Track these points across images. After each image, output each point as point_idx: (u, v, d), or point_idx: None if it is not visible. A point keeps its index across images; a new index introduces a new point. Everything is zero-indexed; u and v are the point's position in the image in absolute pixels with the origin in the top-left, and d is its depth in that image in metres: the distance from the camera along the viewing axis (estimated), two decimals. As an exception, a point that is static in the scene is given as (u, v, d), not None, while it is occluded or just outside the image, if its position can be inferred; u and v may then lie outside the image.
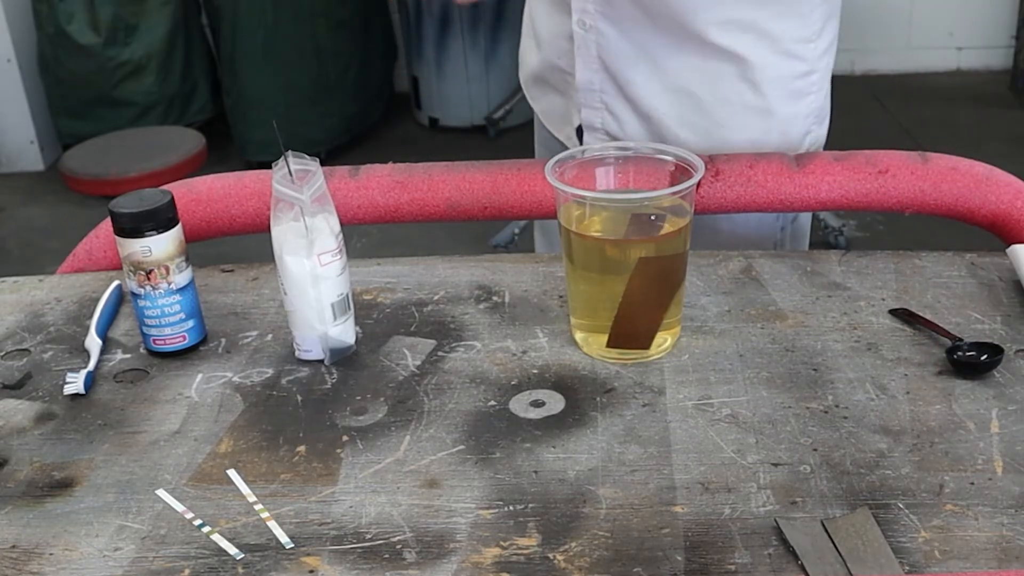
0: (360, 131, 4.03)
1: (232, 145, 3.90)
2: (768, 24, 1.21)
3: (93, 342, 1.05)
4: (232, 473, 0.88)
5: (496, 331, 1.06)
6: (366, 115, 4.06)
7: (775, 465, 0.85)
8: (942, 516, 0.79)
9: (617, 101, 1.27)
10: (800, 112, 1.27)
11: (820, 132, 1.32)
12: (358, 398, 0.97)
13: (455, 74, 3.98)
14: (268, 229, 1.00)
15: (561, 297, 1.10)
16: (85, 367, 1.02)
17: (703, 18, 1.19)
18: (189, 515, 0.83)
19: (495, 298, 1.12)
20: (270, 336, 1.07)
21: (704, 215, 1.23)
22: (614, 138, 1.29)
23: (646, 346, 0.99)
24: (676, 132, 1.26)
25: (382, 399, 0.96)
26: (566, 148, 1.29)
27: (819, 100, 1.29)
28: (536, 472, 0.86)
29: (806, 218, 1.39)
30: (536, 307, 1.10)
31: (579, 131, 1.32)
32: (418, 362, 1.02)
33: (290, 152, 0.97)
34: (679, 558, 0.76)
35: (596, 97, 1.27)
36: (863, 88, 4.23)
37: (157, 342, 1.04)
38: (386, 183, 1.25)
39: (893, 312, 1.05)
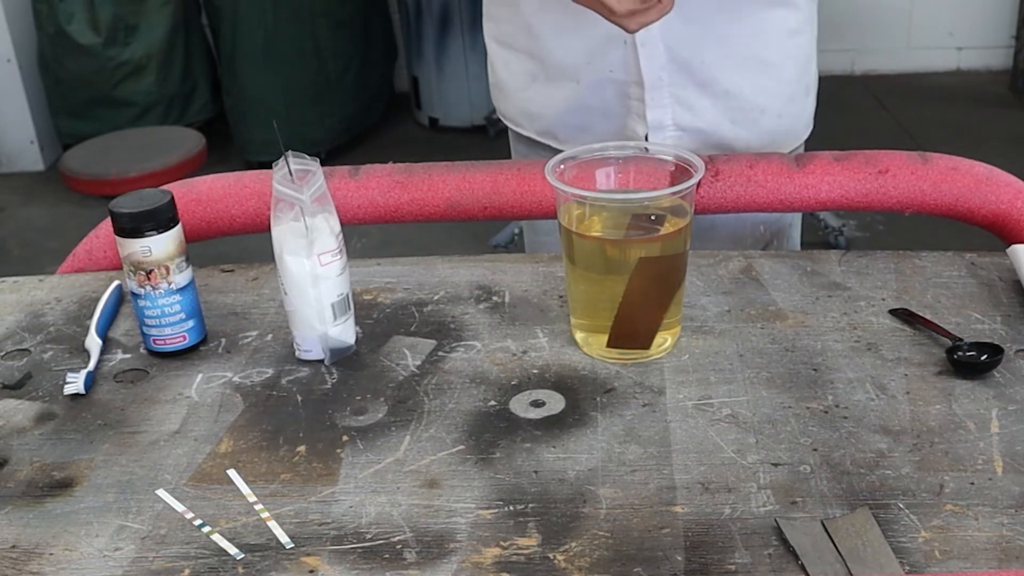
0: (360, 131, 4.04)
1: (232, 145, 3.91)
2: None
3: (93, 342, 1.05)
4: (232, 473, 0.88)
5: (496, 331, 1.06)
6: (366, 115, 4.07)
7: (775, 465, 0.85)
8: (942, 516, 0.79)
9: (688, 90, 1.26)
10: (811, 50, 1.33)
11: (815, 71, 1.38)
12: (358, 398, 0.97)
13: (455, 74, 3.98)
14: (268, 229, 1.00)
15: (561, 297, 1.10)
16: (85, 367, 1.02)
17: None
18: (189, 515, 0.83)
19: (495, 298, 1.12)
20: (270, 336, 1.07)
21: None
22: (684, 130, 1.28)
23: (646, 346, 0.99)
24: (753, 100, 1.27)
25: (382, 399, 0.96)
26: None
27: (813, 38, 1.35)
28: (536, 472, 0.86)
29: (795, 215, 1.39)
30: (536, 307, 1.10)
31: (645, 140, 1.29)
32: (418, 362, 1.02)
33: (290, 152, 0.97)
34: (679, 558, 0.76)
35: (665, 93, 1.25)
36: (863, 88, 4.23)
37: (157, 342, 1.04)
38: (386, 183, 1.25)
39: (893, 312, 1.05)
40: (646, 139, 1.28)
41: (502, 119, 1.41)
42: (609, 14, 1.09)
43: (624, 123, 1.29)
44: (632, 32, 1.10)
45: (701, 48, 1.24)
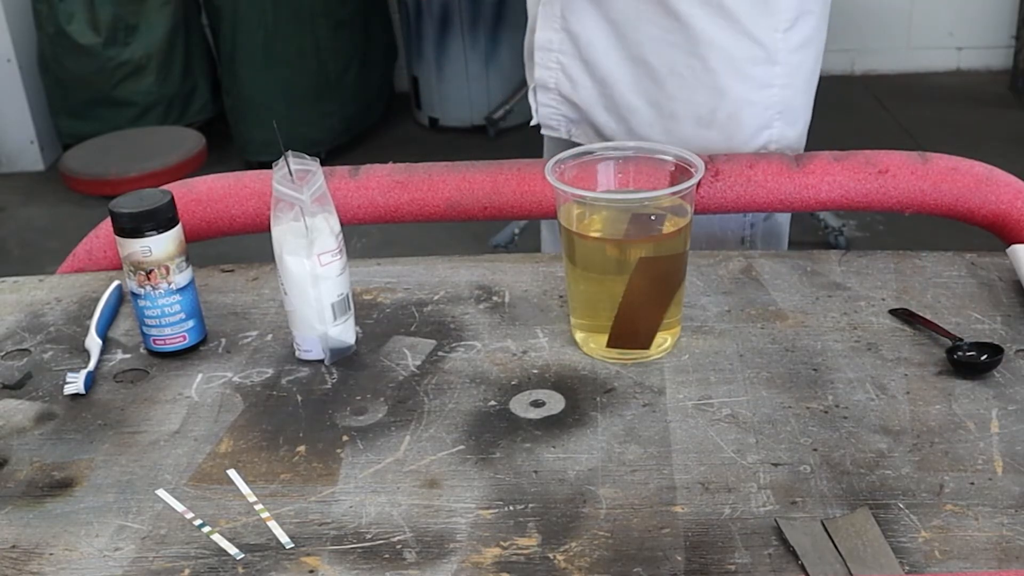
0: (360, 131, 4.03)
1: (232, 145, 3.90)
2: (731, 2, 1.21)
3: (93, 342, 1.05)
4: (232, 473, 0.88)
5: (496, 331, 1.06)
6: (366, 115, 4.07)
7: (775, 465, 0.85)
8: (942, 516, 0.79)
9: (574, 63, 1.29)
10: (758, 102, 1.27)
11: (786, 131, 1.30)
12: (358, 398, 0.97)
13: (455, 74, 3.98)
14: (268, 229, 1.00)
15: (561, 297, 1.10)
16: (85, 367, 1.02)
17: None
18: (189, 515, 0.83)
19: (495, 298, 1.12)
20: (270, 336, 1.07)
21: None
22: (565, 99, 1.32)
23: (646, 346, 0.99)
24: (629, 99, 1.28)
25: (382, 399, 0.96)
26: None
27: (785, 97, 1.28)
28: (536, 472, 0.86)
29: (783, 217, 1.39)
30: (536, 307, 1.10)
31: (534, 92, 1.35)
32: (418, 362, 1.02)
33: (290, 152, 0.97)
34: (679, 558, 0.76)
35: (553, 57, 1.30)
36: (863, 88, 4.23)
37: (157, 342, 1.04)
38: (386, 183, 1.25)
39: (893, 312, 1.05)
40: (534, 94, 1.34)
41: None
42: None
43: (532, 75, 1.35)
44: None
45: (591, 29, 1.26)
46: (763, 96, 1.26)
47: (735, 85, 1.25)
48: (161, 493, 0.86)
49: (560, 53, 1.29)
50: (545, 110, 1.35)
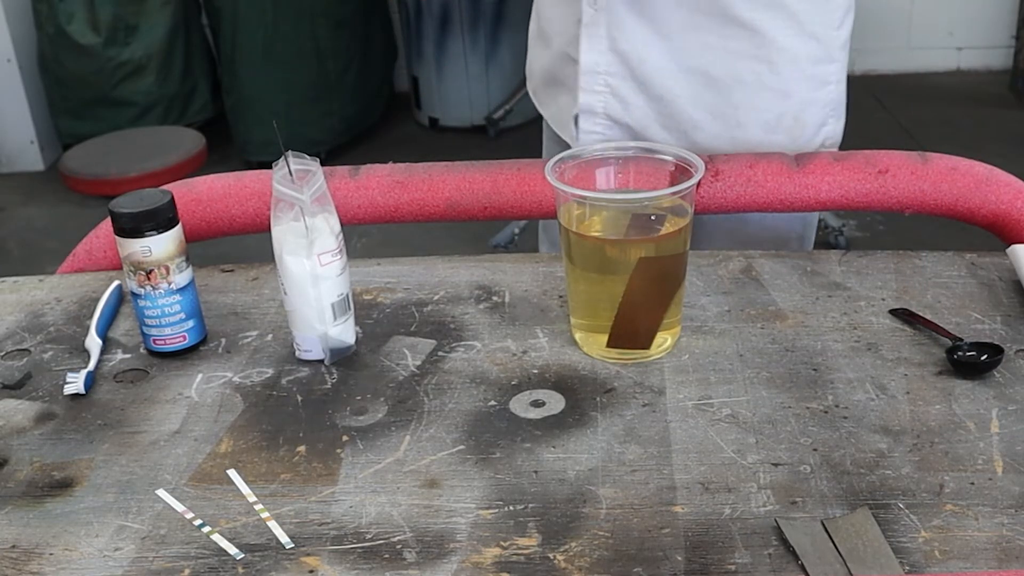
0: (360, 131, 4.03)
1: (232, 145, 3.90)
2: (793, 2, 1.20)
3: (93, 342, 1.05)
4: (232, 473, 0.88)
5: (496, 331, 1.06)
6: (366, 115, 4.06)
7: (775, 465, 0.85)
8: (942, 516, 0.79)
9: (625, 83, 1.25)
10: (818, 100, 1.27)
11: (837, 127, 1.31)
12: (358, 398, 0.97)
13: (455, 74, 3.98)
14: (268, 229, 1.00)
15: (561, 297, 1.10)
16: (85, 367, 1.02)
17: None
18: (189, 515, 0.83)
19: (495, 298, 1.12)
20: (270, 336, 1.07)
21: (704, 215, 1.23)
22: (615, 122, 1.27)
23: (646, 346, 0.99)
24: (690, 113, 1.25)
25: (382, 399, 0.96)
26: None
27: (838, 93, 1.29)
28: (536, 472, 0.86)
29: (813, 217, 1.39)
30: (536, 307, 1.10)
31: (575, 120, 1.30)
32: (418, 362, 1.02)
33: (290, 152, 0.97)
34: (679, 558, 0.76)
35: (600, 80, 1.25)
36: (863, 88, 4.23)
37: (157, 342, 1.04)
38: (386, 183, 1.25)
39: (893, 312, 1.05)
40: (576, 122, 1.30)
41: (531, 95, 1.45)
42: None
43: (572, 100, 1.31)
44: None
45: (643, 46, 1.22)
46: (823, 94, 1.27)
47: (799, 86, 1.25)
48: (161, 493, 0.86)
49: (608, 75, 1.25)
50: (588, 136, 1.29)
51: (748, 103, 1.25)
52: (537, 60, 1.38)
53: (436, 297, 1.13)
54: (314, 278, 0.98)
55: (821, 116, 1.28)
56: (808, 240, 1.38)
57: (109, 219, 1.03)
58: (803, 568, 0.74)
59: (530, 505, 0.82)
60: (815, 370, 0.97)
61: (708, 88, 1.24)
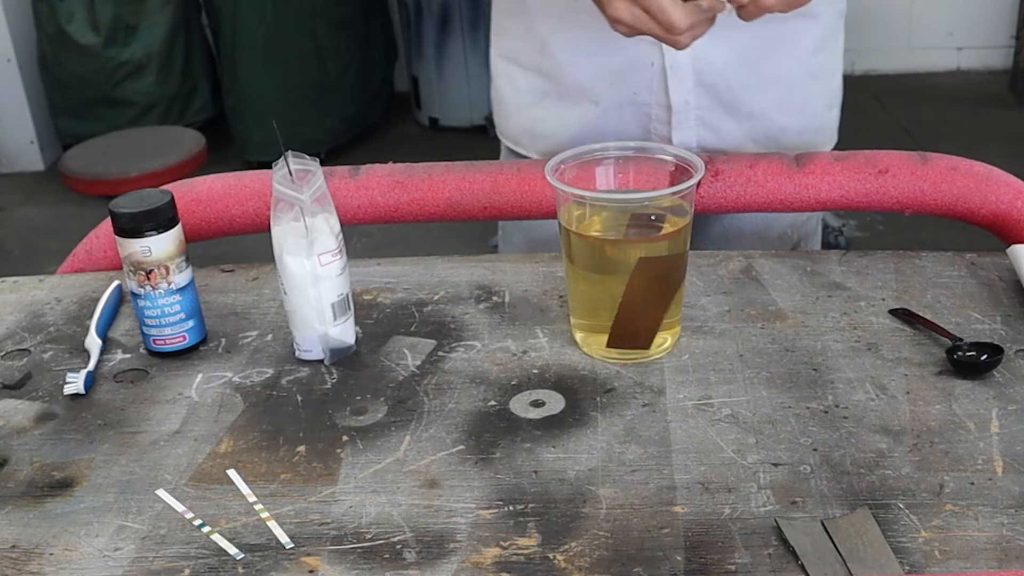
0: (360, 131, 4.04)
1: (232, 145, 3.91)
2: None
3: (93, 342, 1.05)
4: (232, 473, 0.88)
5: (496, 331, 1.06)
6: (366, 115, 4.07)
7: (775, 465, 0.85)
8: (942, 516, 0.79)
9: (714, 112, 1.25)
10: (839, 69, 1.35)
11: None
12: (358, 398, 0.97)
13: (455, 74, 3.99)
14: (268, 229, 1.00)
15: (561, 297, 1.10)
16: (85, 367, 1.02)
17: None
18: (189, 515, 0.83)
19: (495, 298, 1.12)
20: (270, 336, 1.07)
21: (705, 214, 1.23)
22: (709, 150, 1.27)
23: (646, 346, 0.99)
24: (776, 120, 1.27)
25: (382, 399, 0.96)
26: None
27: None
28: (536, 472, 0.86)
29: (817, 217, 1.40)
30: (536, 307, 1.10)
31: None
32: (418, 362, 1.02)
33: (290, 152, 0.97)
34: (679, 558, 0.76)
35: (691, 115, 1.25)
36: (863, 88, 4.23)
37: (157, 342, 1.04)
38: (386, 183, 1.25)
39: (893, 312, 1.05)
40: None
41: (501, 137, 1.38)
42: (667, 32, 1.02)
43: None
44: (682, 48, 1.05)
45: (728, 72, 1.23)
46: (831, 59, 1.32)
47: (840, 58, 1.33)
48: (161, 493, 0.86)
49: (699, 109, 1.24)
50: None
51: (821, 90, 1.31)
52: (553, 122, 1.30)
53: (436, 297, 1.13)
54: (314, 278, 0.98)
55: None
56: (809, 241, 1.38)
57: (109, 219, 1.03)
58: (803, 568, 0.74)
59: (530, 505, 0.82)
60: (815, 370, 0.97)
61: (791, 92, 1.27)
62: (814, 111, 1.31)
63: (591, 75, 1.25)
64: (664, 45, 1.16)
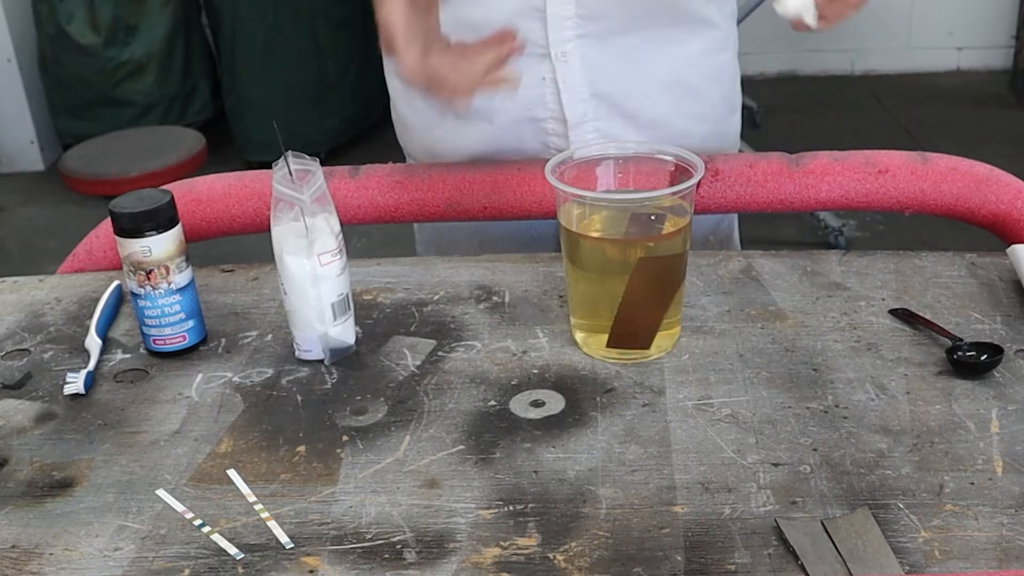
0: (360, 131, 4.03)
1: (232, 145, 3.90)
2: None
3: (93, 342, 1.05)
4: (232, 473, 0.88)
5: (496, 331, 1.06)
6: (366, 115, 4.06)
7: (775, 465, 0.85)
8: (942, 516, 0.79)
9: (613, 122, 1.23)
10: (737, 72, 1.33)
11: None
12: (358, 398, 0.97)
13: (455, 74, 3.98)
14: (268, 229, 1.00)
15: (561, 297, 1.10)
16: (85, 367, 1.02)
17: None
18: (189, 515, 0.83)
19: (495, 298, 1.12)
20: (270, 336, 1.07)
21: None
22: None
23: (646, 346, 0.99)
24: (679, 126, 1.25)
25: (382, 399, 0.96)
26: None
27: None
28: (536, 472, 0.86)
29: (732, 220, 1.39)
30: (536, 307, 1.10)
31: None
32: (418, 362, 1.02)
33: (290, 152, 0.97)
34: (679, 558, 0.76)
35: (589, 128, 1.22)
36: (863, 88, 4.23)
37: (157, 342, 1.04)
38: (386, 183, 1.25)
39: (893, 312, 1.05)
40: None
41: (408, 157, 1.37)
42: (442, 91, 1.01)
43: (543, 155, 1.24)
44: (459, 113, 1.04)
45: (622, 80, 1.21)
46: (730, 62, 1.31)
47: (736, 62, 1.31)
48: (161, 493, 0.86)
49: (596, 120, 1.22)
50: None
51: (720, 94, 1.29)
52: (451, 141, 1.28)
53: (436, 297, 1.13)
54: (314, 278, 0.98)
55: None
56: (728, 244, 1.38)
57: (109, 219, 1.03)
58: (803, 568, 0.74)
59: (530, 505, 0.82)
60: (815, 370, 0.97)
61: (689, 96, 1.25)
62: (717, 116, 1.29)
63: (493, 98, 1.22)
64: (552, 58, 1.18)
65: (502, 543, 0.78)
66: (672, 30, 1.21)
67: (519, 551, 0.77)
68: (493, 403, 0.95)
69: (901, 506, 0.80)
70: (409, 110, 1.32)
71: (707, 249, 1.32)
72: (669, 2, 1.19)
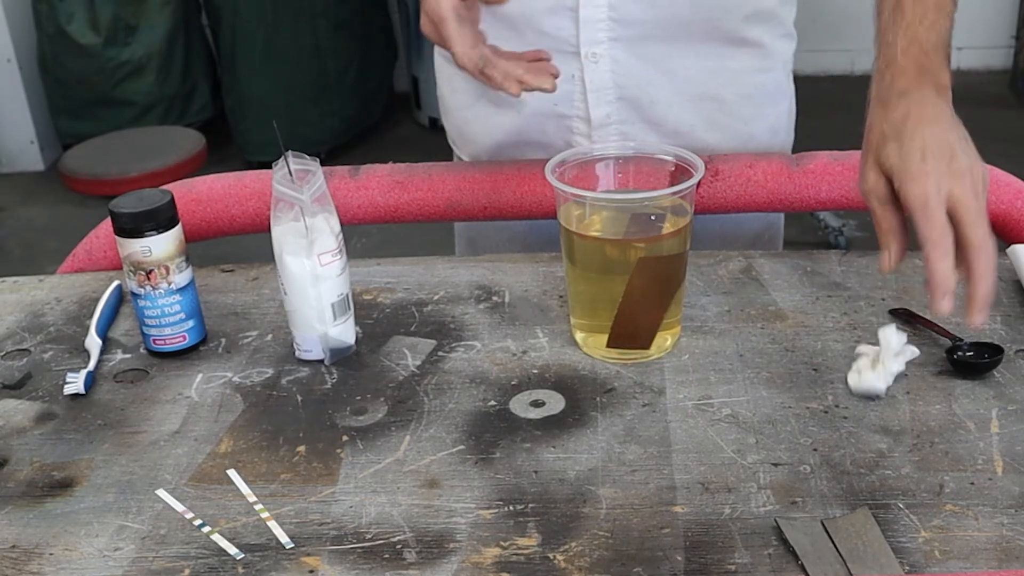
0: (360, 131, 4.04)
1: (232, 145, 3.90)
2: (779, 9, 1.22)
3: (93, 342, 1.05)
4: (232, 473, 0.88)
5: (496, 331, 1.06)
6: (366, 115, 4.07)
7: (775, 465, 0.85)
8: (942, 516, 0.79)
9: (636, 127, 1.23)
10: (788, 90, 1.31)
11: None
12: (358, 398, 0.97)
13: (455, 74, 3.98)
14: (268, 229, 1.00)
15: (561, 297, 1.10)
16: (85, 367, 1.02)
17: (734, 15, 1.18)
18: (189, 515, 0.83)
19: (495, 298, 1.12)
20: (270, 336, 1.07)
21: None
22: None
23: (646, 346, 0.99)
24: (704, 139, 1.24)
25: (382, 399, 0.96)
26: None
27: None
28: (536, 472, 0.86)
29: (779, 224, 1.39)
30: (536, 307, 1.10)
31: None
32: (418, 362, 1.02)
33: (290, 152, 0.97)
34: (679, 558, 0.76)
35: (613, 130, 1.23)
36: (863, 88, 4.22)
37: (157, 342, 1.04)
38: (386, 183, 1.25)
39: (893, 312, 1.05)
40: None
41: (448, 138, 1.38)
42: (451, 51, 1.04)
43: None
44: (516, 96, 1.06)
45: (651, 87, 1.21)
46: (773, 82, 1.29)
47: (788, 81, 1.29)
48: (161, 493, 0.86)
49: (620, 123, 1.22)
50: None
51: (756, 114, 1.26)
52: (480, 125, 1.30)
53: (436, 297, 1.13)
54: (314, 278, 0.98)
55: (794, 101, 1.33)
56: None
57: (109, 219, 1.03)
58: (803, 568, 0.74)
59: (530, 505, 0.82)
60: (815, 370, 0.97)
61: (719, 112, 1.24)
62: (751, 134, 1.27)
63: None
64: (582, 57, 1.18)
65: (502, 543, 0.78)
66: (708, 45, 1.20)
67: (519, 551, 0.77)
68: (493, 403, 0.95)
69: (901, 506, 0.80)
70: (448, 89, 1.34)
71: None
72: (707, 17, 1.18)
